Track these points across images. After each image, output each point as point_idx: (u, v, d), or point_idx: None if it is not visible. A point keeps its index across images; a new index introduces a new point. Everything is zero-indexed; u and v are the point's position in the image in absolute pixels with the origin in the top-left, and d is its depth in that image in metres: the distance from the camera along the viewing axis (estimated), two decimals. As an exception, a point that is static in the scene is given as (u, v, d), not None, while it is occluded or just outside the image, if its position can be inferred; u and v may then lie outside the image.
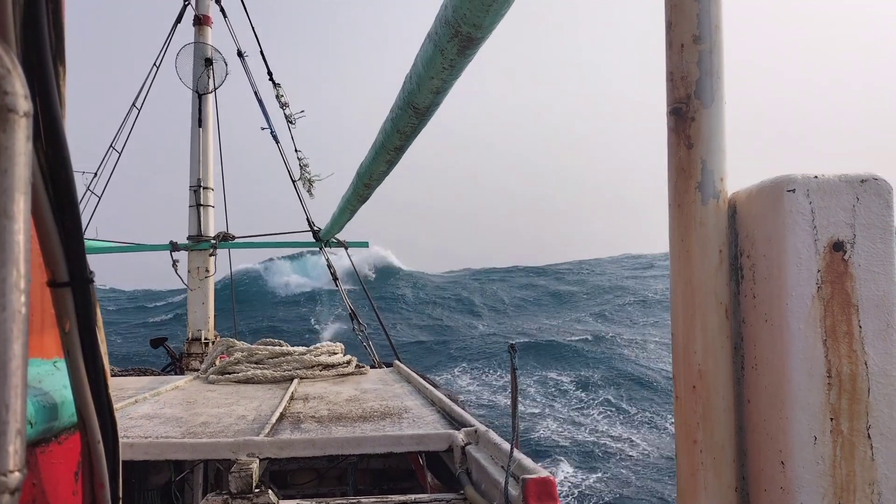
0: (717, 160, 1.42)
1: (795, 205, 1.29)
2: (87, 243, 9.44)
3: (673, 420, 1.47)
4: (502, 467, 3.00)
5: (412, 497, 3.19)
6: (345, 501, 3.09)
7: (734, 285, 1.41)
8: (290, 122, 9.81)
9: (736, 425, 1.40)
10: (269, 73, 9.89)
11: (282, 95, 9.79)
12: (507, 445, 3.07)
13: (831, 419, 1.25)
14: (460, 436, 3.54)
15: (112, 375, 7.75)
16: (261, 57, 9.89)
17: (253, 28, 9.96)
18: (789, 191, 1.29)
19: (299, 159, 9.98)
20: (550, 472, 2.85)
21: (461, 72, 3.22)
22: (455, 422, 3.94)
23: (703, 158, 1.41)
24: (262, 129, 9.90)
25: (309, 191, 9.98)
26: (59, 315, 0.94)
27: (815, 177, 1.30)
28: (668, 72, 1.47)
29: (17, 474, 0.64)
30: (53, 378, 1.06)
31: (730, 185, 1.42)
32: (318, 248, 10.19)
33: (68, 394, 1.02)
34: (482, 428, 3.60)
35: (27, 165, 0.66)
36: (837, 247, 1.27)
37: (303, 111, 9.96)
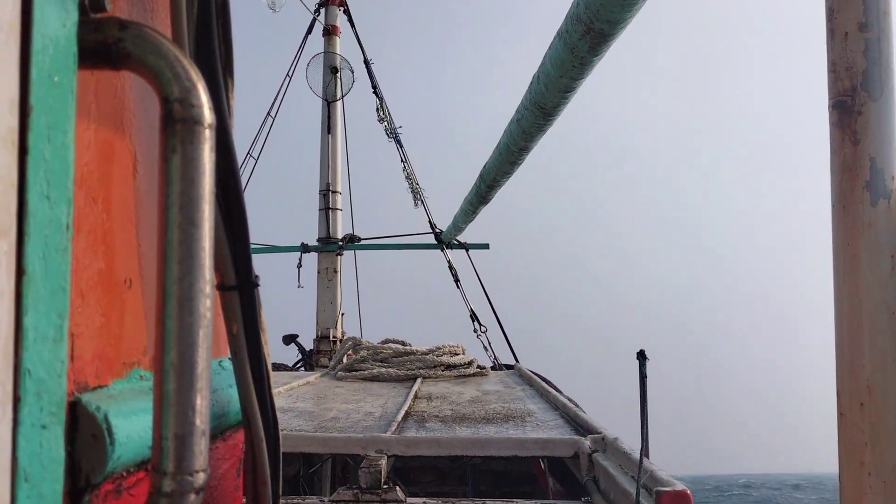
0: (888, 157, 1.30)
1: (985, 206, 1.16)
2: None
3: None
4: (632, 477, 2.91)
5: (538, 502, 3.16)
6: (469, 502, 3.10)
7: (908, 294, 1.29)
8: (389, 136, 10.10)
9: (909, 446, 1.28)
10: (374, 87, 10.14)
11: (380, 109, 10.07)
12: (637, 455, 2.97)
13: None
14: (587, 442, 3.47)
15: None
16: (365, 69, 10.15)
17: (361, 45, 10.23)
18: (976, 191, 1.17)
19: (404, 169, 10.26)
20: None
21: (591, 70, 3.16)
22: (580, 427, 3.87)
23: (871, 155, 1.31)
24: (389, 135, 10.16)
25: (415, 202, 10.24)
26: (227, 317, 0.98)
27: None
28: (830, 62, 1.36)
29: (202, 474, 0.67)
30: (220, 377, 1.11)
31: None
32: (439, 250, 10.31)
33: (233, 392, 1.06)
34: (610, 435, 3.51)
35: (211, 175, 0.69)
36: None
37: (401, 127, 10.23)
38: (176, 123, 0.67)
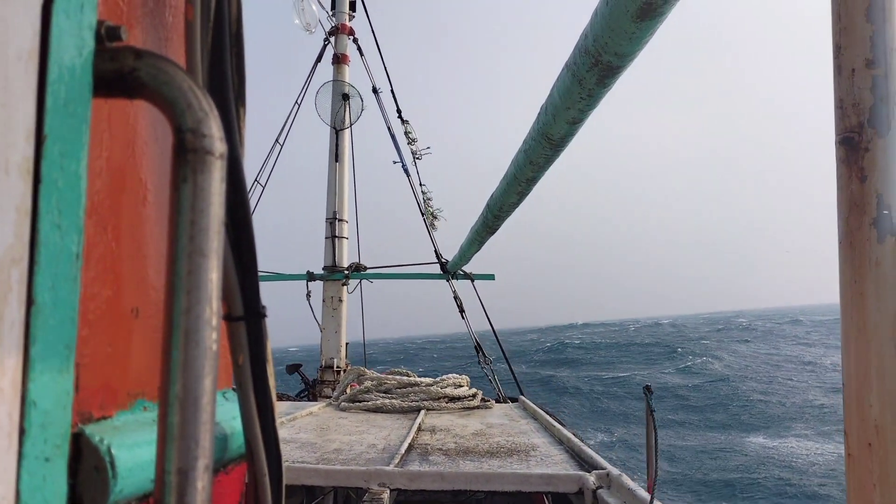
0: (895, 194, 1.30)
1: None
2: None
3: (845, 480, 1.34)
4: None
5: None
6: None
7: (916, 332, 1.27)
8: (417, 158, 10.14)
9: (921, 489, 1.25)
10: (399, 111, 10.22)
11: (409, 132, 10.13)
12: (643, 492, 2.94)
13: None
14: (591, 478, 3.44)
15: None
16: (391, 95, 10.26)
17: (386, 69, 10.35)
18: None
19: (423, 192, 10.29)
20: None
21: (599, 102, 3.17)
22: (585, 463, 3.84)
23: (878, 192, 1.30)
24: (395, 162, 10.19)
25: (432, 224, 10.25)
26: (234, 348, 0.98)
27: None
28: (838, 98, 1.37)
29: (204, 509, 0.66)
30: (223, 409, 1.09)
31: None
32: (445, 280, 10.29)
33: (236, 425, 1.05)
34: (615, 471, 3.48)
35: (221, 205, 0.69)
36: None
37: (428, 148, 10.27)
38: (188, 153, 0.67)
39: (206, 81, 0.89)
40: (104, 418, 0.76)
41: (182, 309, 0.66)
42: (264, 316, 0.99)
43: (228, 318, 0.96)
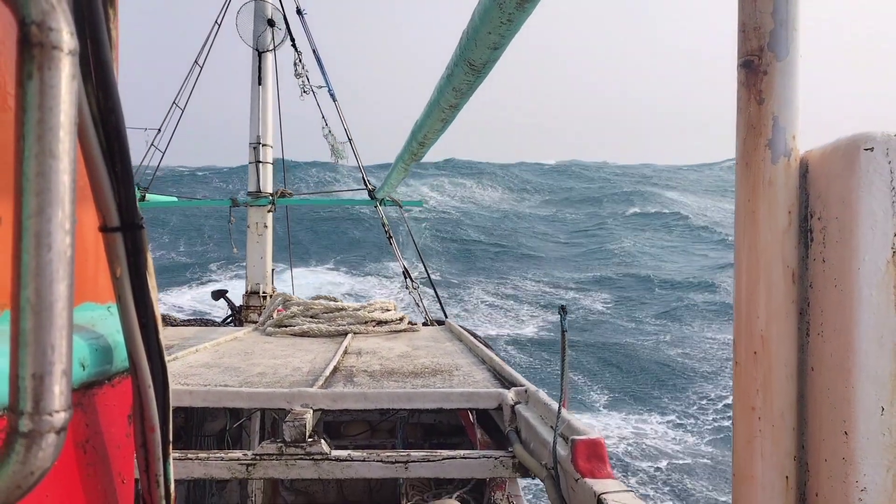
0: (790, 116, 1.34)
1: (873, 164, 1.21)
2: (150, 198, 9.72)
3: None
4: (551, 427, 3.01)
5: (461, 452, 3.24)
6: (394, 453, 3.16)
7: (803, 249, 1.34)
8: (305, 92, 9.85)
9: (798, 393, 1.34)
10: (292, 39, 9.81)
11: (297, 64, 9.80)
12: (556, 405, 3.07)
13: (901, 390, 1.19)
14: (510, 394, 3.58)
15: (174, 325, 8.01)
16: (297, 15, 9.83)
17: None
18: (867, 149, 1.21)
19: (322, 127, 10.10)
20: (601, 433, 2.85)
21: (520, 27, 3.14)
22: (505, 381, 3.98)
23: (774, 114, 1.34)
24: (320, 87, 9.93)
25: (335, 159, 10.13)
26: (111, 260, 0.95)
27: (896, 134, 1.22)
28: (741, 22, 1.38)
29: (63, 414, 0.65)
30: (107, 322, 1.07)
31: (801, 143, 1.35)
32: (373, 206, 10.26)
33: (121, 338, 1.03)
34: (532, 387, 3.64)
35: (72, 104, 0.65)
36: (917, 209, 1.19)
37: (321, 86, 9.97)
38: (33, 48, 0.63)
39: None
40: None
41: (31, 212, 0.63)
42: (141, 227, 0.97)
43: (104, 228, 0.93)
